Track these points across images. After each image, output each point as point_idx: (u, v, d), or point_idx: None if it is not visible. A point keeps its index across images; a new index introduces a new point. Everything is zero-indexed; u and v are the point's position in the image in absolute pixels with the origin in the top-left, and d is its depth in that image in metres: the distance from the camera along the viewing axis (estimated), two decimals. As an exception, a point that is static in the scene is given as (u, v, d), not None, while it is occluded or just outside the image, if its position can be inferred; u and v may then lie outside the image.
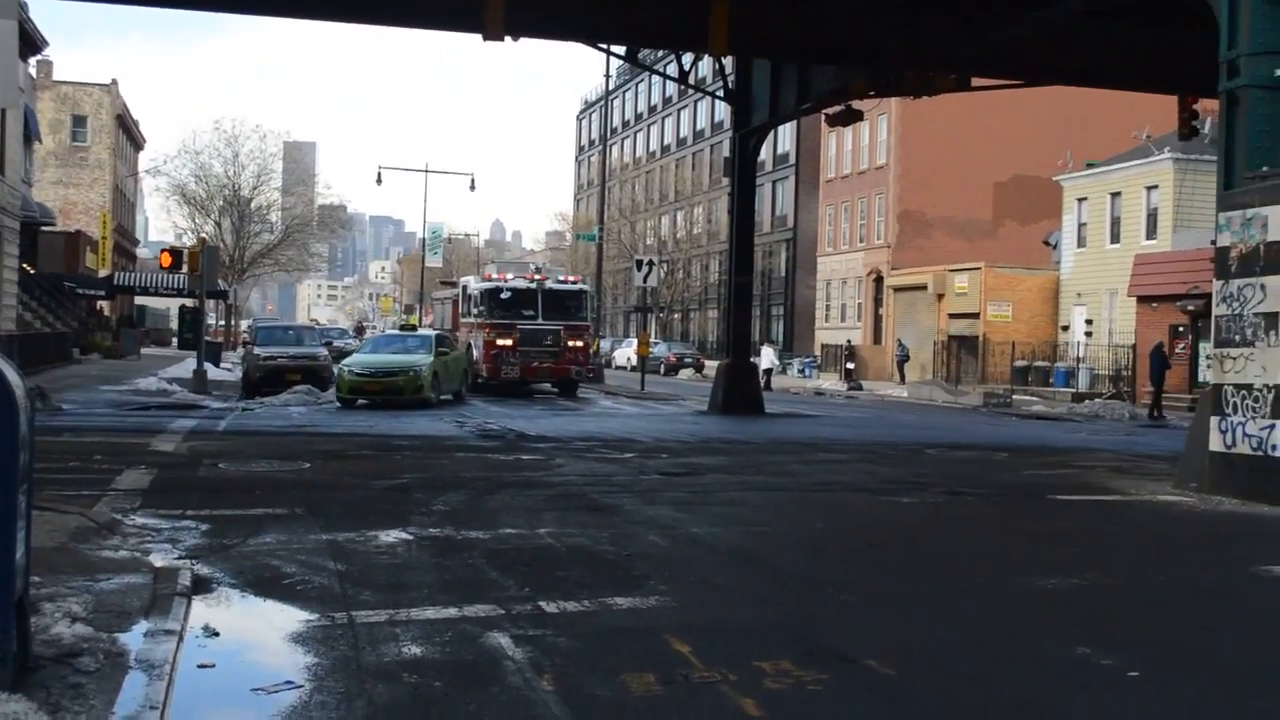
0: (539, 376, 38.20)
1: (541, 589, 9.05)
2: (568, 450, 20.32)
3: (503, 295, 37.87)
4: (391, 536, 11.23)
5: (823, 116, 35.80)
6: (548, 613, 8.38)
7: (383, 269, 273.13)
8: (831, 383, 55.57)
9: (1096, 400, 41.77)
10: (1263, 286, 15.26)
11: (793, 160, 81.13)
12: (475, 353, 38.00)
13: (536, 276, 39.35)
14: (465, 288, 42.14)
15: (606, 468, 17.87)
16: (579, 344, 38.40)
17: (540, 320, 37.57)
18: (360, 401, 30.32)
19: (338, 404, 30.29)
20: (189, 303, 55.65)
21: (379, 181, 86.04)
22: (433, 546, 10.83)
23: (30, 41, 40.17)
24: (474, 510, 13.07)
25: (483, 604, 8.53)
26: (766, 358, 51.25)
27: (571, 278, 43.12)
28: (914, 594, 9.65)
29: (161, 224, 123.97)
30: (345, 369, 31.21)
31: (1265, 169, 15.65)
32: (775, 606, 9.03)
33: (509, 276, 39.38)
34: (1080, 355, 49.56)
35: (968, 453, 22.89)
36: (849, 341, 60.48)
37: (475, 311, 39.03)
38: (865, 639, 7.95)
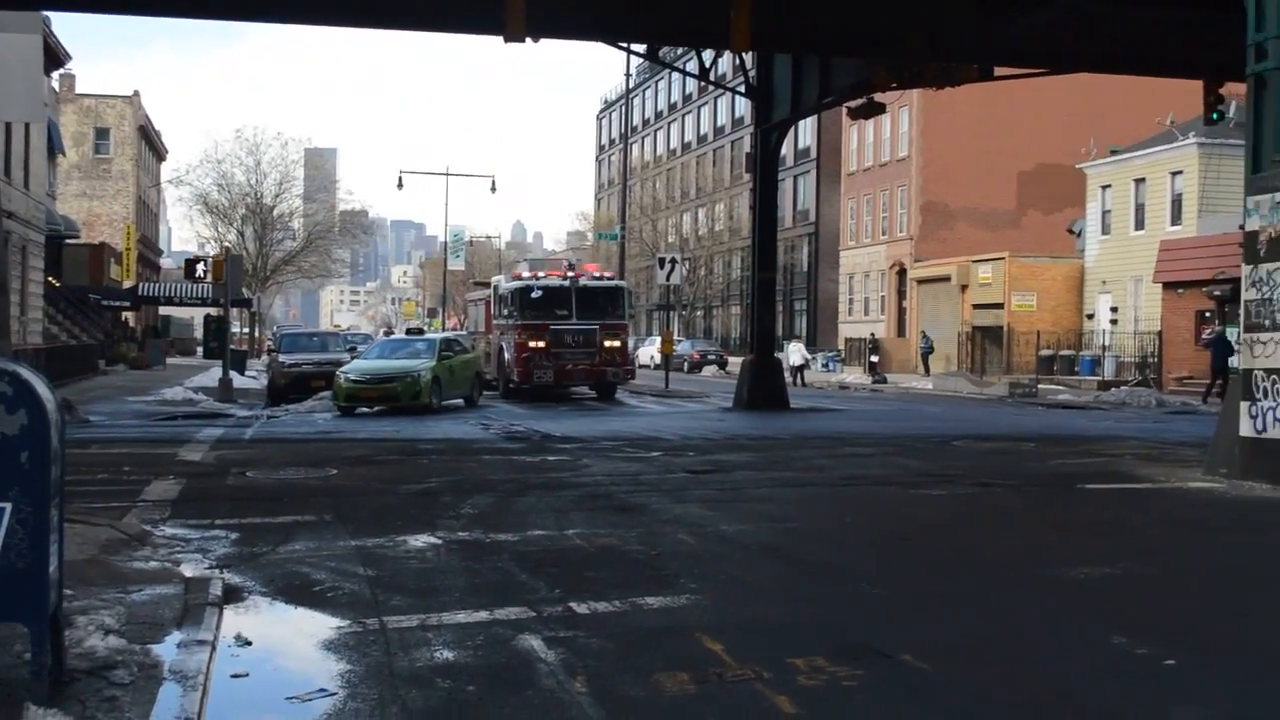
0: (574, 379, 36.48)
1: (572, 590, 9.03)
2: (594, 450, 20.29)
3: (534, 295, 35.94)
4: (420, 541, 11.22)
5: (844, 110, 35.72)
6: (579, 614, 8.36)
7: (405, 273, 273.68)
8: (855, 376, 55.42)
9: (1122, 388, 41.56)
10: (1292, 270, 15.15)
11: (814, 154, 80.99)
12: (507, 355, 36.37)
13: (570, 274, 37.21)
14: (496, 288, 39.70)
15: (633, 467, 17.84)
16: (616, 344, 36.49)
17: (575, 320, 35.73)
18: (360, 409, 29.30)
19: (336, 412, 29.32)
20: (213, 312, 55.97)
21: (400, 186, 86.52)
22: (462, 550, 10.83)
23: (54, 56, 40.41)
24: (502, 513, 13.06)
25: (513, 607, 8.52)
26: (796, 354, 50.99)
27: (608, 274, 41.03)
28: (947, 587, 9.61)
29: (184, 234, 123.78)
30: (342, 375, 29.73)
31: (1293, 152, 15.54)
32: (807, 603, 8.99)
33: (541, 275, 37.24)
34: (1105, 343, 49.33)
35: (995, 444, 22.79)
36: (872, 335, 60.30)
37: (506, 312, 37.00)
38: (899, 633, 7.91)
